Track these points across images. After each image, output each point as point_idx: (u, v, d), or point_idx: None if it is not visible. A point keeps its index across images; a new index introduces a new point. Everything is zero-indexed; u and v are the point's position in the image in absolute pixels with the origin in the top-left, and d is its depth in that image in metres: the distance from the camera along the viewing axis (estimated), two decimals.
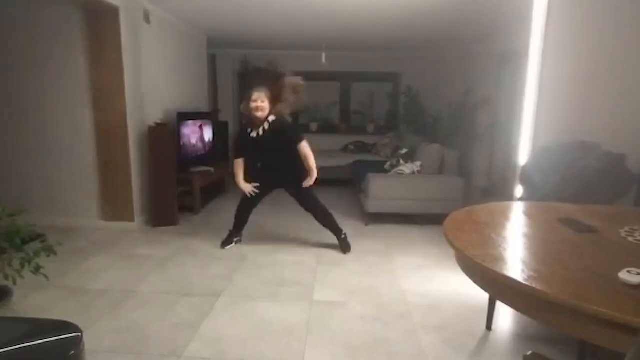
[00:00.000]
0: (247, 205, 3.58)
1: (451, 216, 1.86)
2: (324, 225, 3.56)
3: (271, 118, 3.25)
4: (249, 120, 3.30)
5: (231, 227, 3.63)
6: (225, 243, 3.57)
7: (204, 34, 5.62)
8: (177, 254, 3.43)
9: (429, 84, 6.72)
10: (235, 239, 3.62)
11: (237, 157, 3.49)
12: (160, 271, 3.07)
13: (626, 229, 1.67)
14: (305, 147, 3.30)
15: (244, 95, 3.42)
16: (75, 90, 3.87)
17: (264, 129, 3.26)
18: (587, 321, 1.09)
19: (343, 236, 3.56)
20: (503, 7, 3.89)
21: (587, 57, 2.82)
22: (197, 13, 4.53)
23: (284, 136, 3.30)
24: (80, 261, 3.22)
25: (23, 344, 1.34)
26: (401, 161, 4.63)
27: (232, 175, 3.60)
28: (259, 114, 3.21)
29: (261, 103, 3.19)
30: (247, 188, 3.45)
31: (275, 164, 3.44)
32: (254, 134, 3.30)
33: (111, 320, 2.37)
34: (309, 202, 3.51)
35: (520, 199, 2.86)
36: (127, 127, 3.87)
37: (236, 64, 7.03)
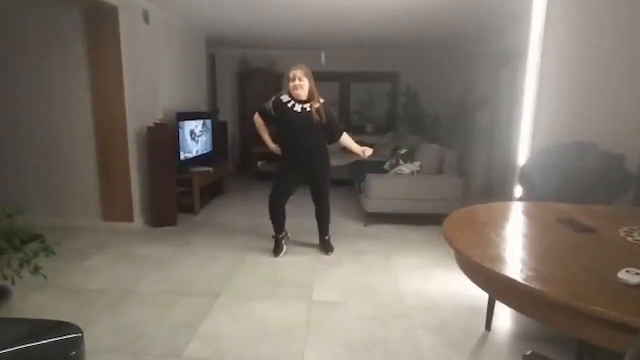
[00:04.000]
0: (277, 204, 3.34)
1: (450, 216, 1.87)
2: (320, 220, 3.48)
3: (322, 100, 3.18)
4: (289, 94, 3.14)
5: (272, 232, 3.44)
6: (276, 251, 3.39)
7: (203, 34, 5.62)
8: (176, 254, 3.43)
9: (428, 84, 6.73)
10: (283, 242, 3.44)
11: (260, 114, 3.27)
12: (160, 271, 3.07)
13: (625, 228, 1.67)
14: (347, 137, 3.33)
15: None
16: (74, 90, 3.86)
17: (311, 107, 3.10)
18: (585, 321, 1.10)
19: (327, 237, 3.53)
20: (502, 8, 3.89)
21: (585, 58, 2.83)
22: (196, 12, 4.53)
23: (331, 124, 3.21)
24: (80, 261, 3.21)
25: (23, 344, 1.34)
26: (400, 161, 4.63)
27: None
28: (300, 92, 3.06)
29: (299, 82, 3.04)
30: (276, 149, 3.32)
31: (308, 144, 3.20)
32: (297, 108, 3.11)
33: (110, 320, 2.37)
34: (324, 193, 3.39)
35: (519, 199, 2.86)
36: (126, 126, 3.87)
37: (235, 63, 7.03)
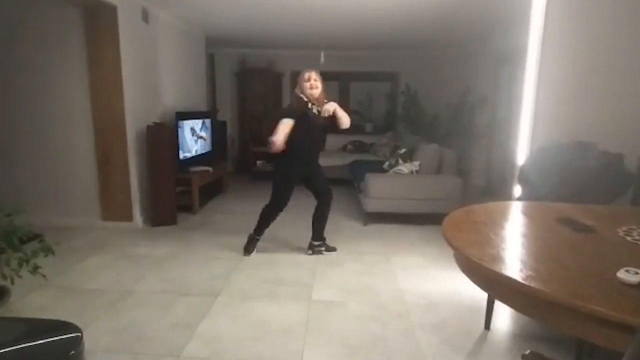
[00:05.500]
0: (276, 207, 3.35)
1: (449, 216, 1.87)
2: (319, 221, 3.44)
3: (333, 103, 3.12)
4: (308, 98, 3.11)
5: (251, 231, 3.44)
6: (249, 249, 3.41)
7: (202, 33, 5.62)
8: (175, 253, 3.42)
9: (428, 83, 6.73)
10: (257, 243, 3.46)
11: (289, 117, 3.07)
12: (159, 271, 3.07)
13: (624, 228, 1.67)
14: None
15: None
16: (73, 89, 3.86)
17: (322, 108, 3.08)
18: (585, 320, 1.10)
19: (319, 242, 3.49)
20: (501, 7, 3.89)
21: (584, 57, 2.83)
22: (195, 12, 4.52)
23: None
24: (79, 261, 3.21)
25: (23, 344, 1.34)
26: (400, 161, 4.63)
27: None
28: (315, 92, 3.10)
29: (314, 81, 3.10)
30: (280, 147, 3.02)
31: (317, 145, 3.29)
32: (314, 110, 3.11)
33: (109, 320, 2.37)
34: (324, 183, 3.40)
35: (519, 199, 2.86)
36: (125, 126, 3.87)
37: (234, 63, 7.03)
